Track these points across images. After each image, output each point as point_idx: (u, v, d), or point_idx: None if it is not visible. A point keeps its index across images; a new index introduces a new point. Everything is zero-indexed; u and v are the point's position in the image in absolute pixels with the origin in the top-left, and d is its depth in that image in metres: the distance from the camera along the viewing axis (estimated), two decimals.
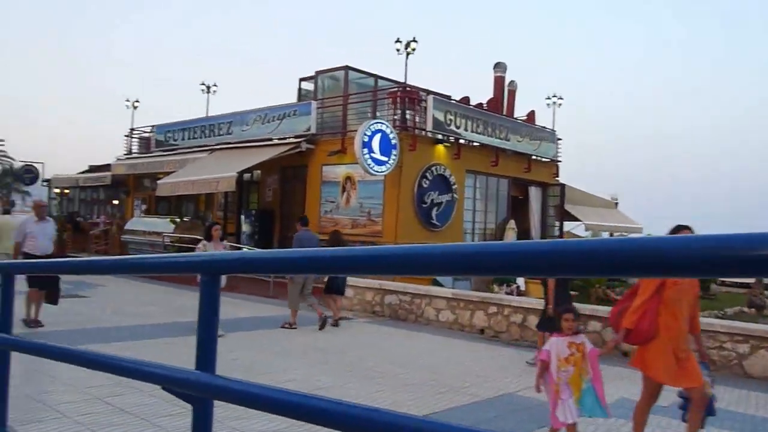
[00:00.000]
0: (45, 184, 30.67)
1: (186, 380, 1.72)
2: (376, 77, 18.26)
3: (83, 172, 28.42)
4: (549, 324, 6.79)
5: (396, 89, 16.41)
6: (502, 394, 6.09)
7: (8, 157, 71.08)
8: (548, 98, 21.86)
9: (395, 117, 15.72)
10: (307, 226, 10.31)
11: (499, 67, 19.80)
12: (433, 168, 15.87)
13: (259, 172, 18.92)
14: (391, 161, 14.50)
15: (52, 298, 8.76)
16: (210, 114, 22.11)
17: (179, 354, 5.74)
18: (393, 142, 14.50)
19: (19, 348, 2.81)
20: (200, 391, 1.68)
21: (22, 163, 32.96)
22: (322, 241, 11.74)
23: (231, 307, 10.33)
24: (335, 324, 9.78)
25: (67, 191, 28.13)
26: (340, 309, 10.26)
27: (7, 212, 17.65)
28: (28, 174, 32.00)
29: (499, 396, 6.03)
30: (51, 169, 33.78)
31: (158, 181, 18.47)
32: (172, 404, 4.53)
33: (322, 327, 9.33)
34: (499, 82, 19.72)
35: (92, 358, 2.35)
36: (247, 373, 5.92)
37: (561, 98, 21.89)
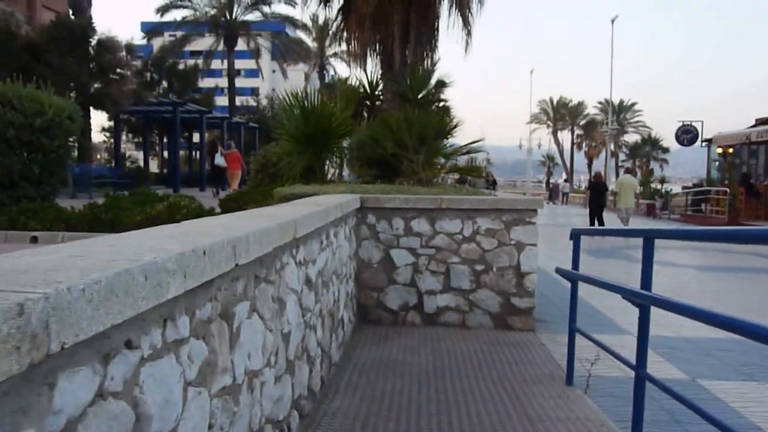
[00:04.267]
0: (704, 144, 28.47)
1: None
2: None
3: (751, 127, 24.72)
4: None
5: None
6: None
7: (645, 126, 71.37)
8: None
9: None
10: None
11: None
12: None
13: None
14: None
15: None
16: None
17: None
18: None
19: (657, 304, 2.71)
20: None
21: (679, 123, 31.67)
22: None
23: None
24: None
25: (730, 150, 25.01)
26: None
27: (629, 171, 17.86)
28: (686, 135, 30.46)
29: None
30: (710, 128, 31.26)
31: None
32: None
33: None
34: None
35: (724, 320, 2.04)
36: None
37: None
